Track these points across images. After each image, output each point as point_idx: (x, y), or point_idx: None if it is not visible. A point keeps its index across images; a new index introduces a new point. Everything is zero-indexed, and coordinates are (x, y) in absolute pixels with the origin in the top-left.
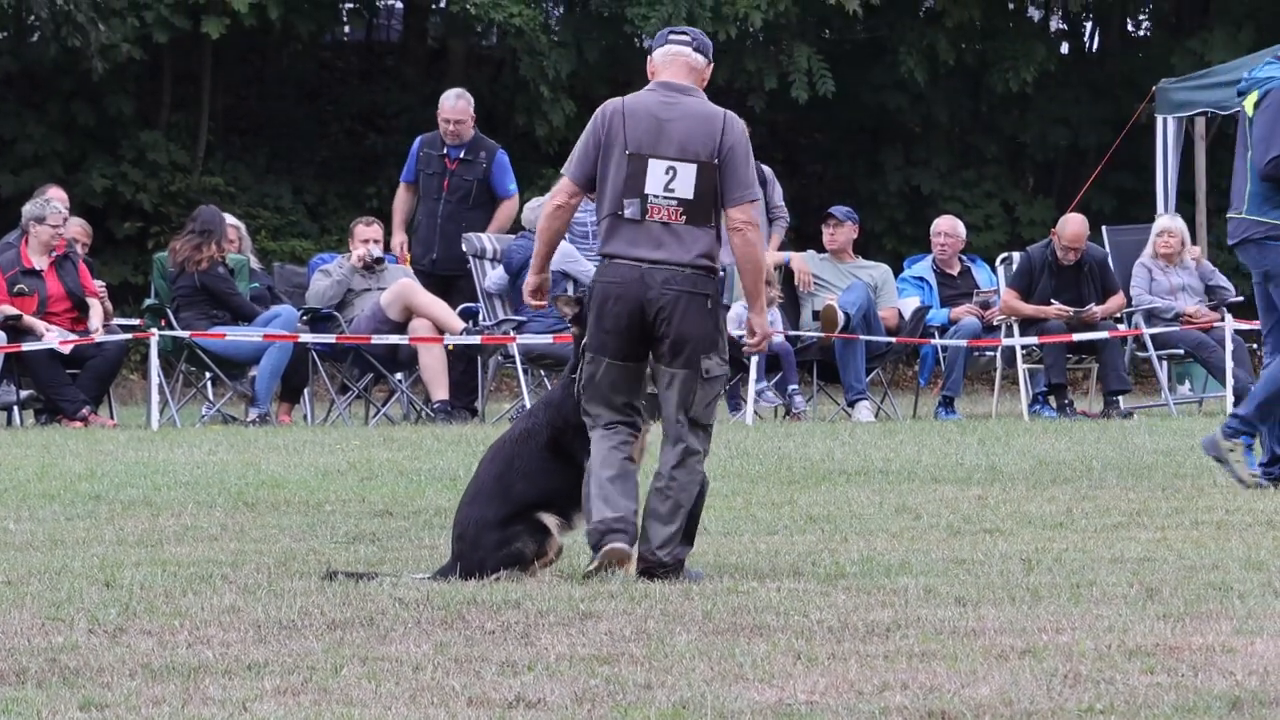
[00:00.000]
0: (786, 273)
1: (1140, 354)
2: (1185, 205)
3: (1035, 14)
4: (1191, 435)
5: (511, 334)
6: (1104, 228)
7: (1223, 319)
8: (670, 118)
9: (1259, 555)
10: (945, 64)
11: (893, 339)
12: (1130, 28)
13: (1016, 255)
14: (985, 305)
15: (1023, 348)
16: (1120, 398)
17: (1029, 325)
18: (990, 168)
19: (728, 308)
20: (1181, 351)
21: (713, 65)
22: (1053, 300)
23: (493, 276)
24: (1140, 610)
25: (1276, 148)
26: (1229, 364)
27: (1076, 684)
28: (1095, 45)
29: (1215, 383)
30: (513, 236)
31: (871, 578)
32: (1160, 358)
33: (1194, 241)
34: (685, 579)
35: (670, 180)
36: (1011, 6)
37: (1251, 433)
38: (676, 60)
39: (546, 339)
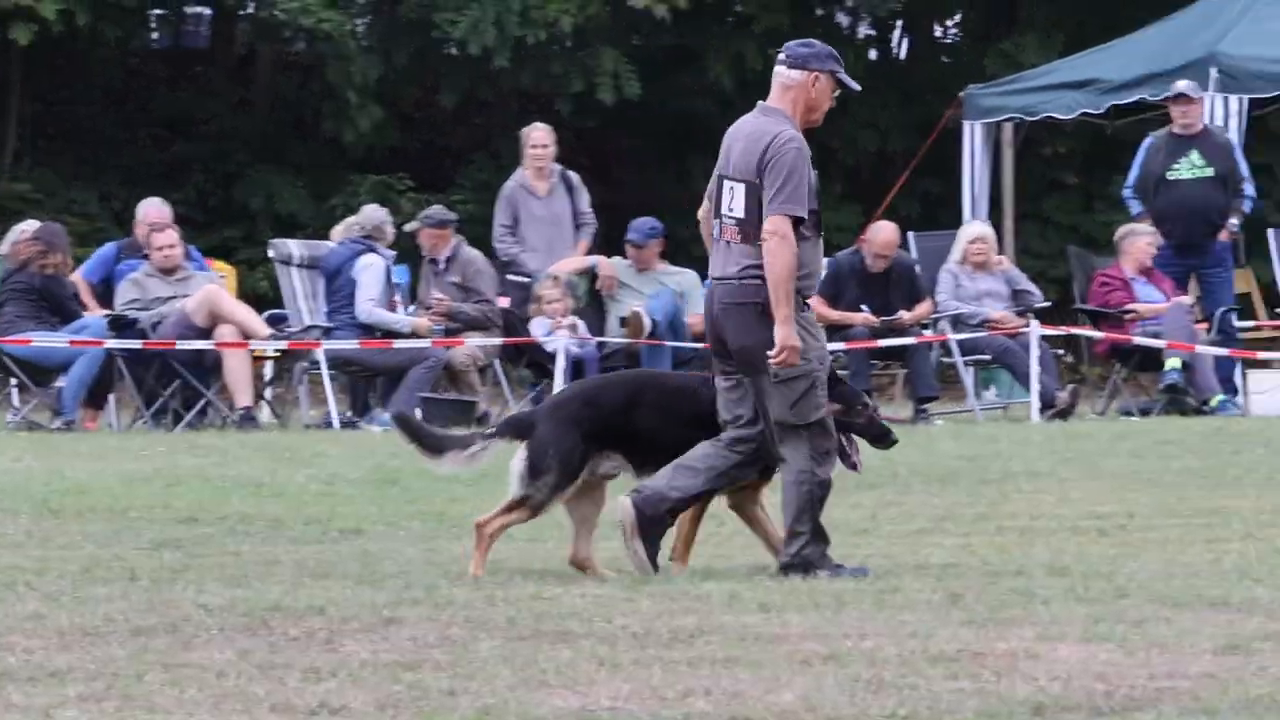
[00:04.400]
0: (593, 277)
1: (946, 360)
2: (992, 211)
3: (843, 20)
4: (996, 441)
5: (319, 340)
6: (911, 234)
7: (1028, 324)
8: (736, 138)
9: (1063, 561)
10: (753, 70)
11: (699, 345)
12: (939, 33)
13: (825, 261)
14: None
15: (829, 354)
16: (928, 404)
17: (835, 332)
18: None
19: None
20: (988, 357)
21: (816, 73)
22: (862, 306)
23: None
24: (944, 616)
25: None
26: (1034, 369)
27: (880, 690)
28: (904, 51)
29: (1021, 389)
30: (328, 243)
31: (675, 584)
32: (967, 364)
33: (1000, 247)
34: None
35: (730, 200)
36: (820, 13)
37: None
38: (774, 81)
39: (353, 344)
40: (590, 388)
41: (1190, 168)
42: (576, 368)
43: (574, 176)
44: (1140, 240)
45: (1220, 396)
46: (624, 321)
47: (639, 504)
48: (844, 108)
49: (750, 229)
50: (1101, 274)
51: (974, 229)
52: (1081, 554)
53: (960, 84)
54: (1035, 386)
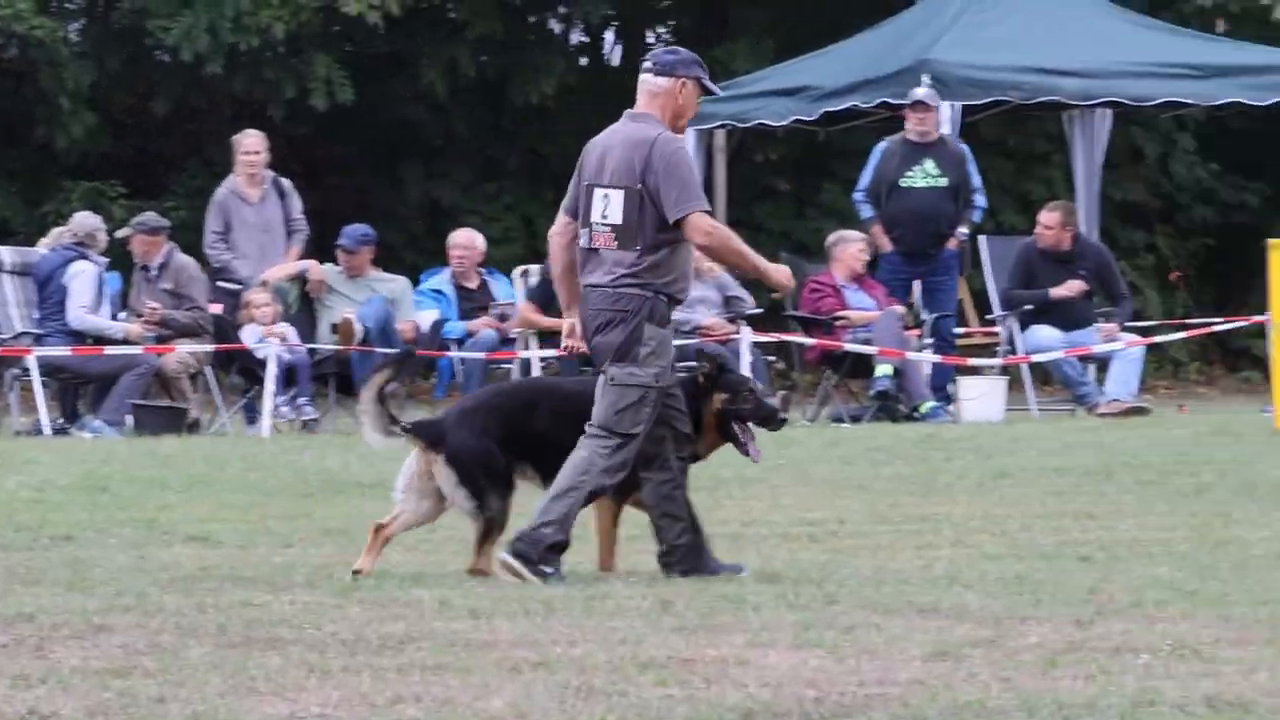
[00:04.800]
0: (304, 283)
1: None
2: None
3: (556, 26)
4: None
5: (30, 346)
6: None
7: (740, 331)
8: (610, 146)
9: (773, 567)
10: (466, 76)
11: (412, 351)
12: (651, 40)
13: (536, 268)
14: (503, 318)
15: (541, 360)
16: None
17: (547, 338)
18: (510, 180)
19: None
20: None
21: (683, 79)
22: None
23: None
24: (654, 622)
25: None
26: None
27: (590, 696)
28: (617, 58)
29: None
30: (39, 249)
31: (386, 590)
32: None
33: None
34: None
35: (605, 207)
36: (533, 19)
37: None
38: (640, 89)
39: (65, 350)
40: (493, 396)
41: (924, 176)
42: (289, 374)
43: (286, 183)
44: (851, 247)
45: (931, 403)
46: (335, 328)
47: (520, 552)
48: (557, 115)
49: (628, 235)
50: (813, 281)
51: None
52: (792, 560)
53: None
54: None
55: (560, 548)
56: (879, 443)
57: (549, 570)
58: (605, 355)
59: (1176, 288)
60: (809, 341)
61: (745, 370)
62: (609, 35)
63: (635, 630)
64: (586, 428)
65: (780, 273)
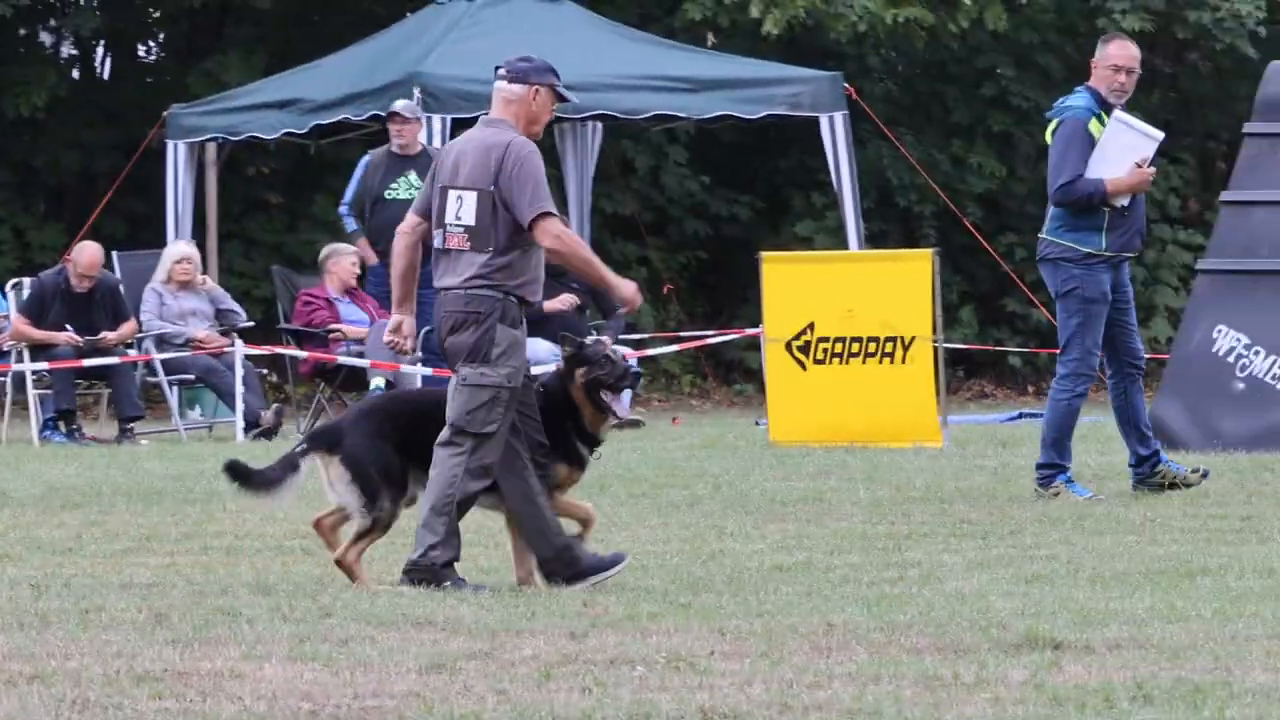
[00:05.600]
0: None
1: (151, 379)
2: (197, 230)
3: (47, 39)
4: (201, 460)
5: None
6: (115, 253)
7: (233, 344)
8: (465, 151)
9: (268, 580)
10: None
11: None
12: (143, 53)
13: (28, 281)
14: None
15: (33, 373)
16: (133, 423)
17: (40, 351)
18: (1, 193)
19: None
20: (192, 377)
21: (537, 86)
22: (66, 326)
23: None
24: (149, 636)
25: (1064, 175)
26: (239, 389)
27: (85, 709)
28: (108, 71)
29: (225, 408)
30: None
31: None
32: (171, 383)
33: (205, 267)
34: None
35: (459, 209)
36: (23, 32)
37: (1063, 469)
38: (495, 95)
39: None
40: (388, 401)
41: (409, 188)
42: None
43: None
44: (343, 260)
45: None
46: None
47: (417, 580)
48: (48, 128)
49: (481, 236)
50: (306, 293)
51: (179, 248)
52: (287, 573)
53: (164, 104)
54: (240, 406)
55: (453, 562)
56: None
57: (449, 585)
58: (458, 356)
59: (669, 300)
60: (302, 354)
61: (238, 384)
62: (99, 48)
63: (130, 643)
64: (440, 437)
65: (626, 287)
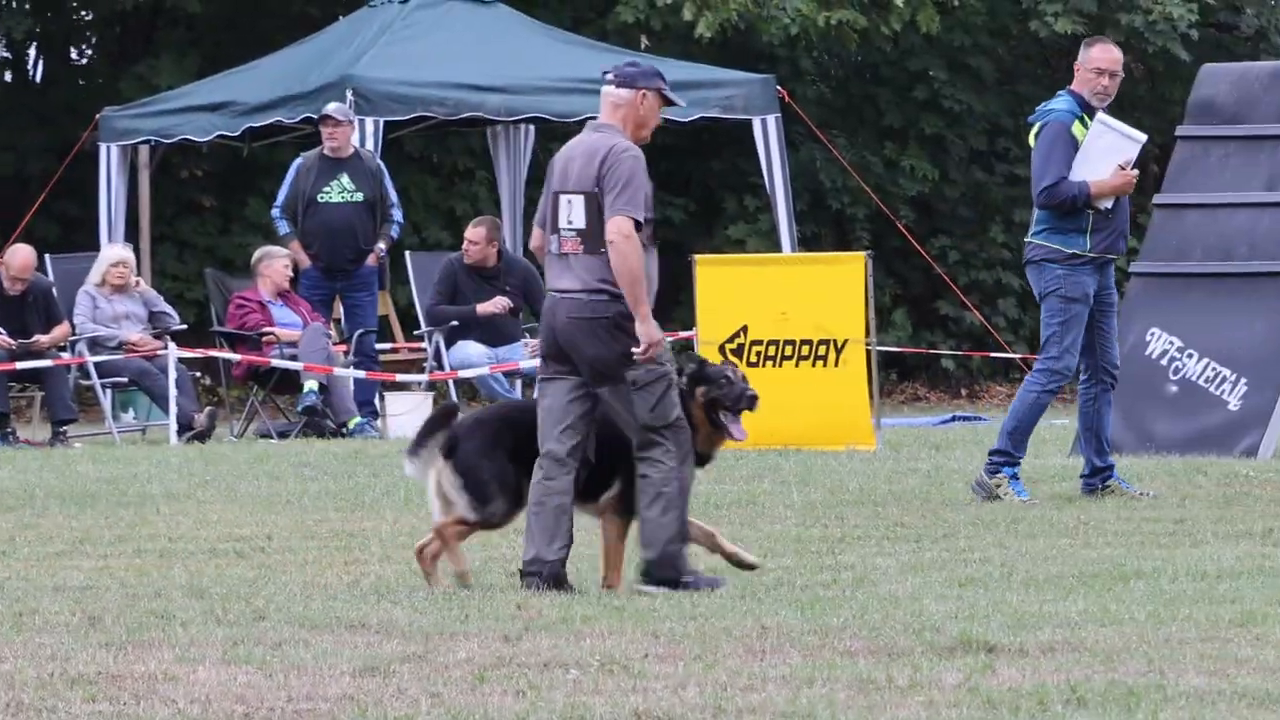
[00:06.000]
0: None
1: (85, 382)
2: (131, 233)
3: None
4: (135, 464)
5: None
6: (48, 256)
7: (166, 347)
8: (572, 156)
9: (201, 582)
10: None
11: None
12: (75, 56)
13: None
14: None
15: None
16: (67, 426)
17: None
18: None
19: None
20: (125, 380)
21: (644, 90)
22: None
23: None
24: (83, 638)
25: (1048, 178)
26: (172, 392)
27: (19, 712)
28: (40, 74)
29: (159, 410)
30: None
31: None
32: (104, 386)
33: (139, 270)
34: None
35: (569, 213)
36: None
37: (1013, 463)
38: (603, 100)
39: None
40: (510, 410)
41: (341, 191)
42: None
43: None
44: (276, 263)
45: (358, 419)
46: None
47: (661, 579)
48: None
49: (593, 238)
50: (239, 296)
51: (113, 252)
52: (220, 576)
53: (97, 106)
54: (173, 409)
55: (684, 550)
56: (306, 458)
57: (689, 580)
58: (609, 365)
59: None
60: (235, 357)
61: (171, 387)
62: (32, 51)
63: (64, 646)
64: (634, 451)
65: (652, 333)
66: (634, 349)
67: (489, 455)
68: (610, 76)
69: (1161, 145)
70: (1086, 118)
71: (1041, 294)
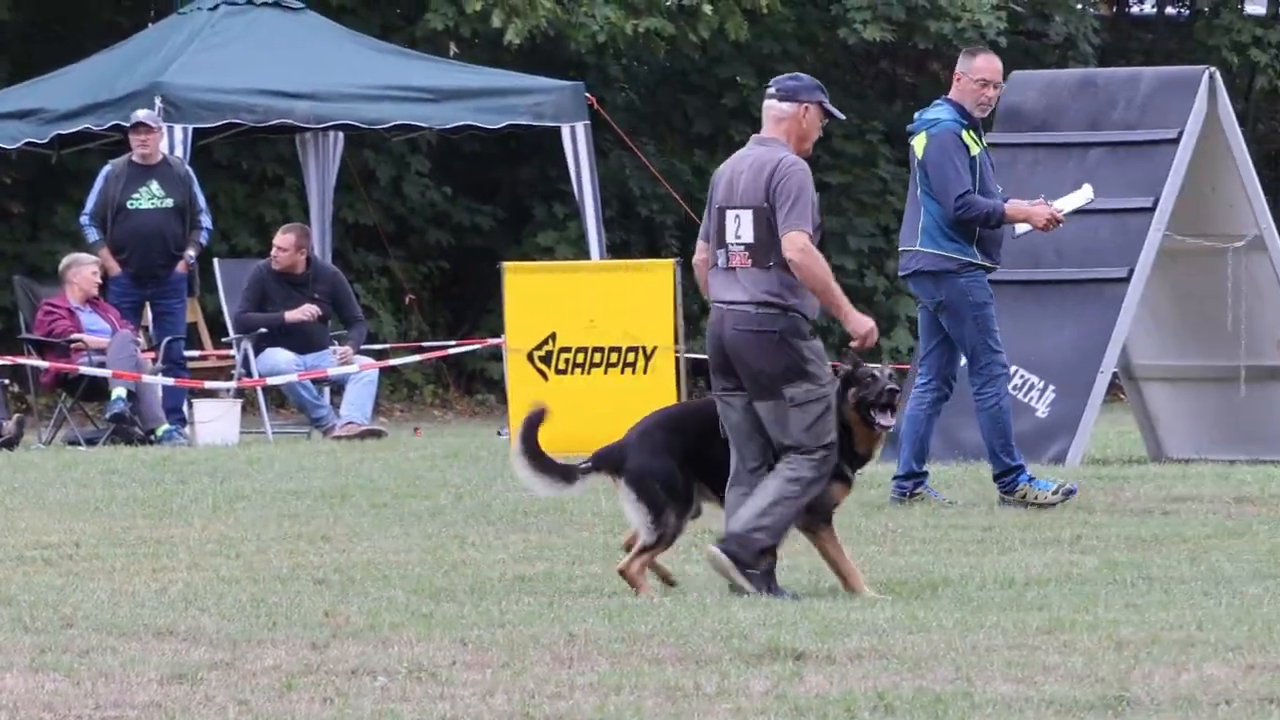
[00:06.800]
0: None
1: None
2: None
3: None
4: None
5: None
6: None
7: None
8: (738, 171)
9: (9, 590)
10: None
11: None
12: None
13: None
14: None
15: None
16: None
17: None
18: None
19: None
20: None
21: (806, 104)
22: None
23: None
24: None
25: (958, 186)
26: None
27: None
28: None
29: None
30: None
31: None
32: None
33: None
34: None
35: (737, 228)
36: None
37: (1021, 469)
38: (766, 114)
39: None
40: (673, 415)
41: (150, 197)
42: None
43: None
44: (84, 270)
45: (166, 426)
46: None
47: (731, 552)
48: None
49: (761, 252)
50: (47, 303)
51: None
52: (28, 583)
53: None
54: None
55: (770, 552)
56: (115, 465)
57: (754, 573)
58: (772, 379)
59: (411, 311)
60: (44, 365)
61: None
62: None
63: None
64: (781, 455)
65: (862, 323)
66: (805, 361)
67: (660, 463)
68: (773, 90)
69: None
70: (968, 127)
71: (939, 304)
